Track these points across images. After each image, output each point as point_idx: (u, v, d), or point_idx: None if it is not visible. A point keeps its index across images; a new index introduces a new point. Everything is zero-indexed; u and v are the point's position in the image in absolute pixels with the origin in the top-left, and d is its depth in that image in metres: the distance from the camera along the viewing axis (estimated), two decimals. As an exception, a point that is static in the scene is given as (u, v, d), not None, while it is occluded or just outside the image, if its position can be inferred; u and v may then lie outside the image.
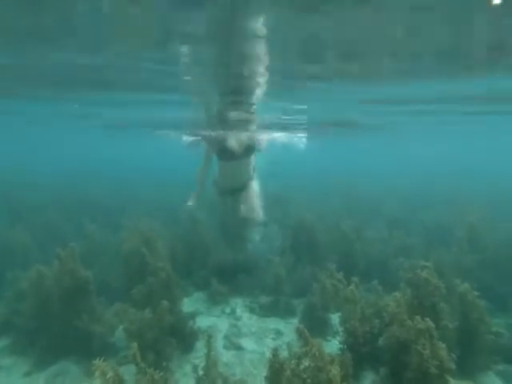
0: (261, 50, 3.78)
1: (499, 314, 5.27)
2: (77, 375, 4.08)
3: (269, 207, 6.76)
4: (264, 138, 5.64)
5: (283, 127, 10.34)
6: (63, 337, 4.42)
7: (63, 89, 6.27)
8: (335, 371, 3.08)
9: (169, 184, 13.76)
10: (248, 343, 4.91)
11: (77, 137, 19.65)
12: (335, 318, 5.31)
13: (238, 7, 2.74)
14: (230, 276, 6.45)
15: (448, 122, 11.36)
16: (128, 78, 5.22)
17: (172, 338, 4.55)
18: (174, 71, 4.66)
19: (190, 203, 5.30)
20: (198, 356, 4.51)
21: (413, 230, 8.14)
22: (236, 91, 5.45)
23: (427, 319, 3.35)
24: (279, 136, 8.77)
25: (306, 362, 3.51)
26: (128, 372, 3.10)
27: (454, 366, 3.22)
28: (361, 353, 4.00)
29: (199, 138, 5.64)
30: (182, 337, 4.75)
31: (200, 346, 4.75)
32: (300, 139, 11.46)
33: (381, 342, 3.72)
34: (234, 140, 5.23)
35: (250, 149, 5.30)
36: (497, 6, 2.75)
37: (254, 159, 5.56)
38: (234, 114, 6.47)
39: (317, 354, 3.29)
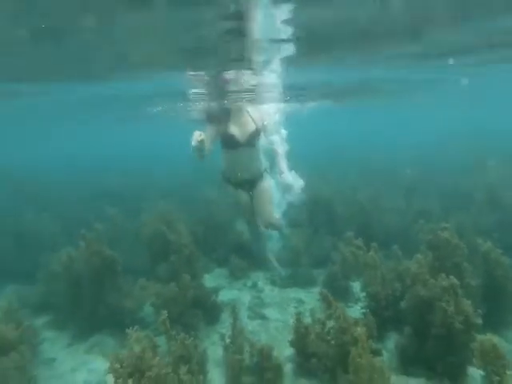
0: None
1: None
2: (112, 346, 4.34)
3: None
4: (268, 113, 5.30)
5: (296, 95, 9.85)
6: (96, 313, 4.66)
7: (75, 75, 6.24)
8: (361, 330, 3.15)
9: (180, 169, 13.89)
10: (271, 312, 5.07)
11: (86, 128, 19.86)
12: (356, 286, 5.39)
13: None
14: (248, 252, 6.57)
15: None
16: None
17: (197, 310, 4.74)
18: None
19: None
20: (224, 326, 4.68)
21: (431, 197, 8.05)
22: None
23: (451, 277, 3.38)
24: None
25: (329, 325, 3.62)
26: (160, 342, 3.24)
27: (480, 322, 3.25)
28: (383, 316, 4.08)
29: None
30: (206, 309, 4.93)
31: (225, 317, 4.92)
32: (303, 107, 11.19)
33: (403, 303, 3.77)
34: (237, 126, 4.94)
35: (255, 135, 4.99)
36: None
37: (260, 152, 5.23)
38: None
39: (341, 316, 3.37)
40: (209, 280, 6.00)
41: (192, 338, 3.39)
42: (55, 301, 5.10)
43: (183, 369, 3.00)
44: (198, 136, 3.95)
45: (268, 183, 5.40)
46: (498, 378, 2.61)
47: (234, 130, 4.89)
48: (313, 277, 5.92)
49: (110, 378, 2.70)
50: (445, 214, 6.34)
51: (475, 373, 3.15)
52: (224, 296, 5.57)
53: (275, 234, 6.09)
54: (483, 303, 3.74)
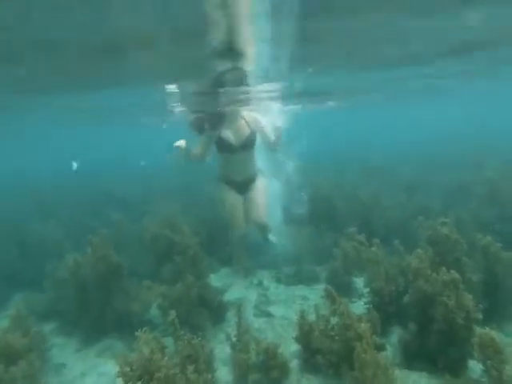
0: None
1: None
2: (121, 349, 4.42)
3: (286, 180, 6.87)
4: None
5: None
6: (104, 317, 4.74)
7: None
8: (365, 327, 3.22)
9: (183, 169, 13.92)
10: (277, 310, 5.15)
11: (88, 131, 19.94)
12: (359, 282, 5.46)
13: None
14: (252, 251, 6.64)
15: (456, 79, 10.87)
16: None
17: (203, 310, 4.82)
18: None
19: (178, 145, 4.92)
20: (230, 325, 4.75)
21: (431, 193, 8.10)
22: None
23: (452, 271, 3.43)
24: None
25: (333, 321, 3.70)
26: (167, 343, 3.31)
27: (480, 316, 3.31)
28: (387, 311, 4.14)
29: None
30: (212, 309, 5.00)
31: (231, 316, 4.99)
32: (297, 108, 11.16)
33: (406, 298, 3.84)
34: (232, 131, 5.00)
35: (250, 139, 5.05)
36: None
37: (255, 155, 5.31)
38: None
39: (345, 312, 3.44)
40: (214, 279, 6.08)
41: (199, 338, 3.46)
42: (62, 307, 5.17)
43: (190, 368, 3.06)
44: (180, 143, 4.75)
45: (261, 184, 5.44)
46: (496, 372, 2.67)
47: (228, 135, 4.93)
48: (316, 273, 5.99)
49: (120, 382, 2.76)
50: (445, 209, 6.40)
51: (475, 366, 3.21)
52: (230, 295, 5.65)
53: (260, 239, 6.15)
54: (484, 297, 3.79)
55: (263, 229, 5.59)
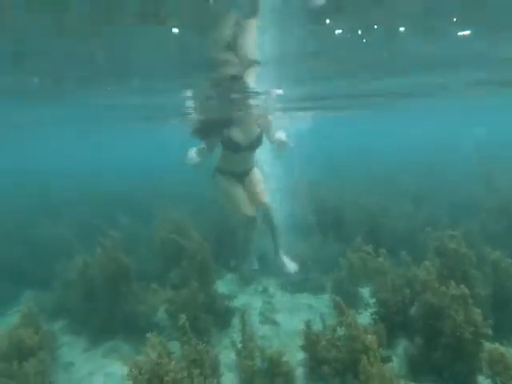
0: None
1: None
2: (128, 351, 4.48)
3: (292, 189, 6.90)
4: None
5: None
6: (112, 318, 4.80)
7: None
8: (372, 339, 3.23)
9: (188, 176, 14.00)
10: (282, 318, 5.17)
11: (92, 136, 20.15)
12: (365, 292, 5.46)
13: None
14: (258, 258, 6.66)
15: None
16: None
17: (209, 316, 4.86)
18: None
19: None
20: (236, 331, 4.77)
21: (438, 204, 8.07)
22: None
23: (462, 286, 3.44)
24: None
25: (340, 332, 3.71)
26: (173, 348, 3.35)
27: (490, 331, 3.30)
28: (393, 322, 4.14)
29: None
30: (219, 315, 5.04)
31: (237, 322, 5.00)
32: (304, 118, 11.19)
33: (413, 310, 3.84)
34: (242, 130, 4.94)
35: (258, 139, 5.05)
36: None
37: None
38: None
39: (352, 323, 3.46)
40: (221, 285, 6.11)
41: (204, 344, 3.50)
42: (71, 306, 5.25)
43: (196, 372, 3.10)
44: (192, 157, 4.70)
45: (257, 170, 5.41)
46: None
47: (237, 135, 4.91)
48: (322, 283, 6.00)
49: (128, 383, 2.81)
50: (452, 221, 6.38)
51: (484, 382, 3.20)
52: (236, 301, 5.68)
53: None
54: (493, 312, 3.78)
55: (266, 211, 5.39)
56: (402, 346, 3.99)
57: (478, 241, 5.14)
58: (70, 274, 5.33)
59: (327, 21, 3.52)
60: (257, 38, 3.73)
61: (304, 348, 3.86)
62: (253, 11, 3.09)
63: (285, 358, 3.62)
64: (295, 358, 4.00)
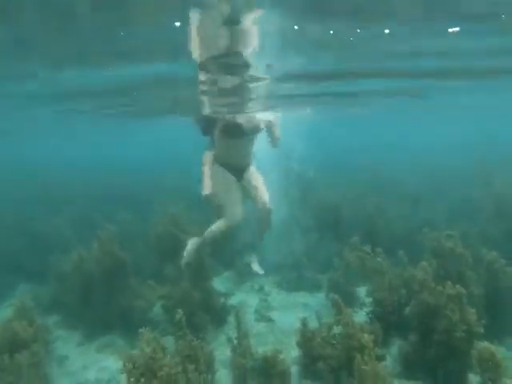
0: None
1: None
2: (122, 345, 4.47)
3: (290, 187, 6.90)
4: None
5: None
6: (107, 313, 4.79)
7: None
8: (368, 337, 3.23)
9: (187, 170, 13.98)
10: (278, 316, 5.18)
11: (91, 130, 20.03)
12: (361, 291, 5.46)
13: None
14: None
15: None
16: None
17: (205, 313, 4.85)
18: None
19: (204, 192, 4.79)
20: (232, 328, 4.76)
21: (437, 206, 8.09)
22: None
23: (458, 286, 3.45)
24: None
25: (335, 330, 3.72)
26: (167, 343, 3.35)
27: (482, 330, 3.32)
28: (389, 322, 4.14)
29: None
30: (215, 312, 5.03)
31: (233, 319, 5.00)
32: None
33: (409, 309, 3.85)
34: (244, 118, 4.94)
35: (258, 128, 4.97)
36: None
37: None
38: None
39: (349, 322, 3.47)
40: (217, 282, 6.10)
41: (199, 340, 3.49)
42: (65, 300, 5.24)
43: (190, 368, 3.10)
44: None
45: (254, 169, 5.33)
46: None
47: (241, 119, 4.92)
48: (319, 281, 6.01)
49: (123, 377, 2.80)
50: (450, 222, 6.39)
51: (473, 379, 3.24)
52: (232, 299, 5.68)
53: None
54: (486, 311, 3.80)
55: (266, 213, 5.24)
56: (396, 345, 4.00)
57: (474, 241, 5.16)
58: (65, 268, 5.32)
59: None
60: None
61: (299, 345, 3.86)
62: None
63: (281, 357, 3.60)
64: (290, 355, 4.00)
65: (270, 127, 5.08)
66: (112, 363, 4.11)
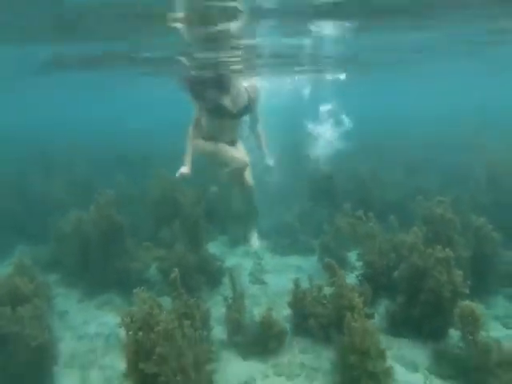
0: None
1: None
2: (120, 304, 4.64)
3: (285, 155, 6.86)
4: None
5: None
6: (105, 273, 4.91)
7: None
8: (358, 299, 3.37)
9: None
10: (271, 278, 5.35)
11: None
12: (351, 256, 5.63)
13: None
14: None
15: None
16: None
17: (201, 274, 4.99)
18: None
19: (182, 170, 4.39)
20: (227, 289, 4.93)
21: (431, 174, 8.16)
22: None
23: (447, 249, 3.57)
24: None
25: (326, 291, 3.89)
26: (164, 303, 3.45)
27: (467, 291, 3.49)
28: (378, 283, 4.31)
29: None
30: (210, 274, 5.17)
31: (227, 281, 5.16)
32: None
33: (398, 272, 3.99)
34: (231, 98, 4.55)
35: (246, 108, 4.71)
36: None
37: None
38: None
39: (343, 283, 3.61)
40: (212, 247, 6.21)
41: (195, 299, 3.62)
42: (64, 260, 5.35)
43: (186, 323, 3.23)
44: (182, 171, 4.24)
45: (241, 145, 5.19)
46: (471, 337, 2.94)
47: (227, 102, 4.68)
48: (311, 246, 6.16)
49: (122, 331, 2.92)
50: (443, 190, 6.47)
51: (454, 333, 3.47)
52: (227, 262, 5.80)
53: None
54: (471, 274, 3.96)
55: (248, 191, 5.19)
56: (383, 305, 4.19)
57: (464, 208, 5.26)
58: (63, 229, 5.37)
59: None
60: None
61: (291, 304, 4.03)
62: None
63: (274, 317, 3.73)
64: (282, 314, 4.17)
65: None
66: (111, 319, 4.29)
